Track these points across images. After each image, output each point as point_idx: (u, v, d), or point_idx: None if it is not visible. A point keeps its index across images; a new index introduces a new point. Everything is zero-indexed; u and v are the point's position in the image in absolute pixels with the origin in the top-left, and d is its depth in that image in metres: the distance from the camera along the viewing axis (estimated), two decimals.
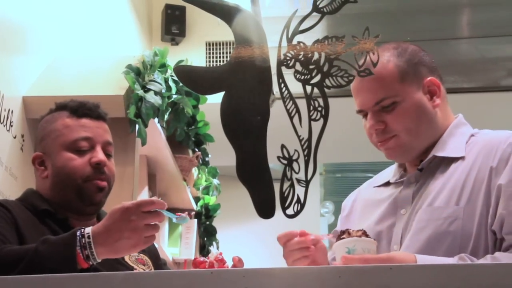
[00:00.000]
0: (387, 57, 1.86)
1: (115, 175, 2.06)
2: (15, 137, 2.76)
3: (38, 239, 1.75)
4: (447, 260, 1.63)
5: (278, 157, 1.42)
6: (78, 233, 1.68)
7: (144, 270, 1.99)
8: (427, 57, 1.91)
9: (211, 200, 4.57)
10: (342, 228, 1.89)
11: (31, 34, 3.01)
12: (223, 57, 5.29)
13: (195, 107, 3.71)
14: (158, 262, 2.12)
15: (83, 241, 1.66)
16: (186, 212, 2.28)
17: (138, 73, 3.00)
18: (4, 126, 2.68)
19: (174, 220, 1.82)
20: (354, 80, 1.48)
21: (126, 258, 1.99)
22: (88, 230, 1.68)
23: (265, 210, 1.43)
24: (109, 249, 1.67)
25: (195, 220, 4.40)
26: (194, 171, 4.25)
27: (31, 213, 1.93)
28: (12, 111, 2.74)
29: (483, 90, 5.26)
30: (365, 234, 1.65)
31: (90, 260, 1.66)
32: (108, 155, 2.03)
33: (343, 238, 1.65)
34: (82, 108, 2.04)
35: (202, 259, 1.79)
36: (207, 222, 4.62)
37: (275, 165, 1.50)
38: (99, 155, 1.99)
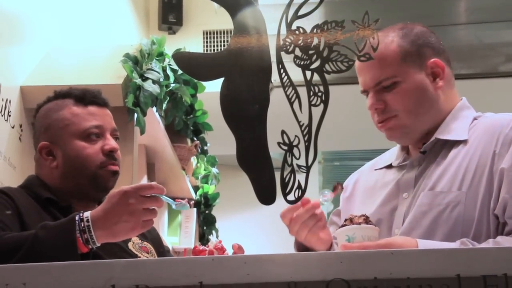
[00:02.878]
0: (392, 37, 1.86)
1: (121, 160, 2.07)
2: (13, 127, 2.75)
3: None
4: (448, 245, 1.63)
5: (279, 143, 1.41)
6: (77, 218, 1.68)
7: (147, 258, 2.00)
8: (434, 39, 1.90)
9: (210, 189, 4.57)
10: (343, 208, 1.89)
11: (28, 23, 3.00)
12: (220, 45, 5.28)
13: (193, 96, 3.70)
14: (160, 249, 2.12)
15: (82, 225, 1.67)
16: (186, 199, 2.28)
17: (135, 62, 2.99)
18: (2, 116, 2.67)
19: (174, 206, 1.82)
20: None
21: (130, 246, 1.99)
22: (87, 214, 1.69)
23: (266, 196, 1.42)
24: (108, 232, 1.68)
25: (195, 209, 4.41)
26: (193, 160, 4.24)
27: (34, 201, 1.93)
28: (10, 101, 2.73)
29: (481, 76, 5.25)
30: (366, 220, 1.65)
31: (90, 244, 1.67)
32: (116, 139, 2.05)
33: (345, 225, 1.65)
34: (87, 96, 2.04)
35: (201, 247, 1.79)
36: (207, 211, 4.63)
37: (274, 154, 1.50)
38: (111, 142, 2.01)
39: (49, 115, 2.04)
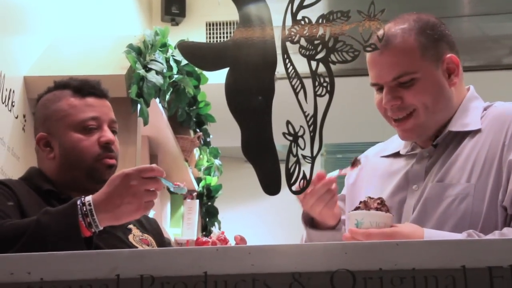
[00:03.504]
0: (408, 31, 1.81)
1: (119, 152, 2.06)
2: (16, 117, 2.75)
3: None
4: (455, 236, 1.63)
5: (284, 133, 1.41)
6: (78, 202, 1.68)
7: None
8: (447, 31, 1.86)
9: (213, 180, 4.57)
10: (348, 194, 1.89)
11: (32, 14, 2.99)
12: (223, 37, 5.27)
13: (196, 87, 3.69)
14: (161, 241, 2.12)
15: (84, 209, 1.67)
16: (184, 183, 2.27)
17: (139, 53, 2.99)
18: (5, 106, 2.67)
19: (172, 188, 1.84)
20: (371, 52, 1.46)
21: (131, 238, 1.99)
22: (89, 198, 1.69)
23: (270, 187, 1.42)
24: (111, 215, 1.68)
25: (197, 201, 4.41)
26: (196, 151, 4.24)
27: (35, 193, 1.92)
28: (13, 91, 2.73)
29: (485, 69, 5.24)
30: (381, 204, 1.65)
31: (93, 227, 1.67)
32: (114, 132, 2.03)
33: (358, 208, 1.65)
34: (86, 87, 2.03)
35: (204, 239, 1.79)
36: (209, 203, 4.63)
37: (278, 146, 1.49)
38: (108, 134, 1.99)
39: (47, 106, 2.04)
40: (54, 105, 2.02)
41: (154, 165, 1.73)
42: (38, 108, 2.07)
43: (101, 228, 1.69)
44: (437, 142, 1.83)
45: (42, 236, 1.62)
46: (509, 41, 5.31)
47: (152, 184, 1.69)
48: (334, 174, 1.77)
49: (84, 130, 1.98)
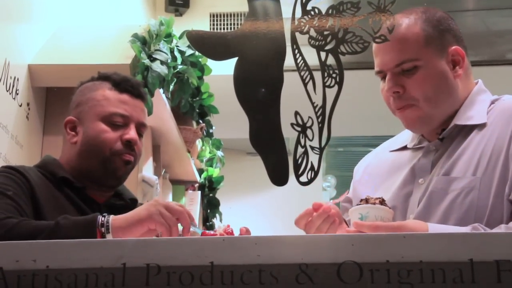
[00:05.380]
0: (414, 20, 1.82)
1: (141, 155, 2.08)
2: (20, 106, 2.75)
3: (53, 205, 1.75)
4: (459, 229, 1.62)
5: (292, 124, 1.40)
6: (98, 219, 1.70)
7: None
8: (454, 25, 1.86)
9: (215, 172, 4.57)
10: (351, 194, 1.88)
11: (36, 2, 2.99)
12: (227, 28, 5.27)
13: (200, 78, 3.69)
14: None
15: (102, 230, 1.69)
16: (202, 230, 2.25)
17: (144, 42, 2.98)
18: (10, 94, 2.66)
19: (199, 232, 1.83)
20: None
21: None
22: (109, 218, 1.70)
23: (278, 177, 1.41)
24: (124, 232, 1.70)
25: (199, 192, 4.41)
26: (198, 143, 4.24)
27: (48, 180, 1.94)
28: (18, 79, 2.73)
29: (488, 64, 5.23)
30: (382, 202, 1.65)
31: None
32: (140, 135, 2.05)
33: (360, 204, 1.64)
34: (124, 83, 2.05)
35: (211, 232, 1.79)
36: (211, 194, 4.63)
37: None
38: (132, 132, 2.01)
39: (84, 92, 2.07)
40: (90, 93, 2.05)
41: (190, 213, 1.75)
42: (76, 93, 2.10)
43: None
44: (443, 135, 1.83)
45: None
46: None
47: (175, 221, 1.70)
48: (329, 203, 1.77)
49: (111, 124, 2.00)
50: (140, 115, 2.06)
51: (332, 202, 1.81)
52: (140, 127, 2.05)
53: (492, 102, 1.84)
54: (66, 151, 2.04)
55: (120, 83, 2.05)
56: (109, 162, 1.97)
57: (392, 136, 2.03)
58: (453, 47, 1.83)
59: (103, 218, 1.69)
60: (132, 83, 2.07)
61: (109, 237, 1.67)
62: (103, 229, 1.68)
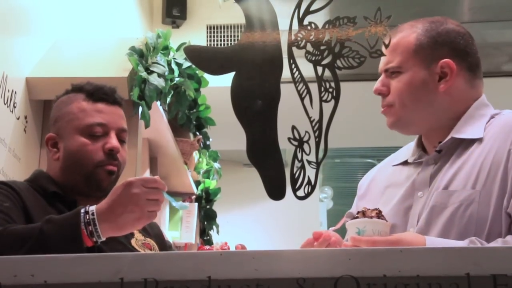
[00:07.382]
0: (416, 29, 1.88)
1: (126, 162, 2.04)
2: (18, 119, 2.75)
3: None
4: (457, 243, 1.62)
5: (289, 139, 1.41)
6: (82, 211, 1.68)
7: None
8: (461, 41, 1.87)
9: (212, 184, 4.57)
10: (354, 209, 1.89)
11: (35, 15, 2.99)
12: (223, 40, 5.27)
13: (197, 90, 3.69)
14: (163, 245, 2.12)
15: (87, 218, 1.67)
16: (187, 203, 2.26)
17: (141, 55, 2.99)
18: (7, 107, 2.66)
19: (174, 203, 1.84)
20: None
21: (133, 243, 1.99)
22: (92, 208, 1.69)
23: (275, 192, 1.41)
24: (113, 225, 1.68)
25: (196, 204, 4.41)
26: (195, 154, 4.24)
27: (40, 195, 1.92)
28: (15, 92, 2.73)
29: (484, 75, 5.23)
30: (379, 214, 1.65)
31: (94, 237, 1.67)
32: (121, 141, 2.02)
33: (357, 218, 1.64)
34: (98, 92, 2.02)
35: (208, 247, 1.80)
36: (208, 206, 4.63)
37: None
38: (113, 141, 1.98)
39: (60, 107, 2.05)
40: (66, 107, 2.03)
41: (157, 177, 1.74)
42: (53, 108, 2.08)
43: (103, 238, 1.69)
44: (440, 148, 1.84)
45: (44, 244, 1.62)
46: (509, 48, 5.31)
47: (154, 193, 1.69)
48: (329, 231, 1.78)
49: (90, 135, 1.98)
50: (119, 121, 2.03)
51: (331, 229, 1.82)
52: (121, 133, 2.02)
53: (492, 117, 1.85)
54: (50, 168, 2.03)
55: (94, 93, 2.02)
56: (93, 175, 1.95)
57: (388, 147, 2.04)
58: (444, 60, 1.84)
59: (86, 208, 1.68)
60: (105, 90, 2.04)
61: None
62: (87, 217, 1.67)
